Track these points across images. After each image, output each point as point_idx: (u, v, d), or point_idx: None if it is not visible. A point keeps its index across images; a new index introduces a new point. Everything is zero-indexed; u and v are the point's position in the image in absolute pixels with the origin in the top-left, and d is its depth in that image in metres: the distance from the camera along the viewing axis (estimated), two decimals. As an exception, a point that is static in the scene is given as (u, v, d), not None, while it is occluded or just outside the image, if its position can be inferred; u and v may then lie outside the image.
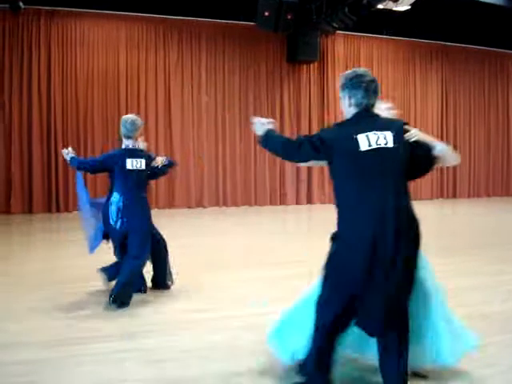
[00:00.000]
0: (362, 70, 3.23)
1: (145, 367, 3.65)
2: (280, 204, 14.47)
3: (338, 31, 14.17)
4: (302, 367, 3.30)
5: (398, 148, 3.09)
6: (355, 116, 3.17)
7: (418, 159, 3.25)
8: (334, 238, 3.19)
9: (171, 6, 13.00)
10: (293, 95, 14.71)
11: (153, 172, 5.46)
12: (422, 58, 16.37)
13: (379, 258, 2.93)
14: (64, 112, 12.64)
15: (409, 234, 3.07)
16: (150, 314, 4.84)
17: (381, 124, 3.15)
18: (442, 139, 15.29)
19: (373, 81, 3.16)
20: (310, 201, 14.83)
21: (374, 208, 3.01)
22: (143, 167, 5.26)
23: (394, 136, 3.11)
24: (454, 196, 16.97)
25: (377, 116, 3.23)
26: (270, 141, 3.33)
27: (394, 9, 11.87)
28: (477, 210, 14.35)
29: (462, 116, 17.08)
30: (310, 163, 3.54)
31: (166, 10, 13.18)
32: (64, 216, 12.19)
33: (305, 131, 14.61)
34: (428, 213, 13.92)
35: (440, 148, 3.29)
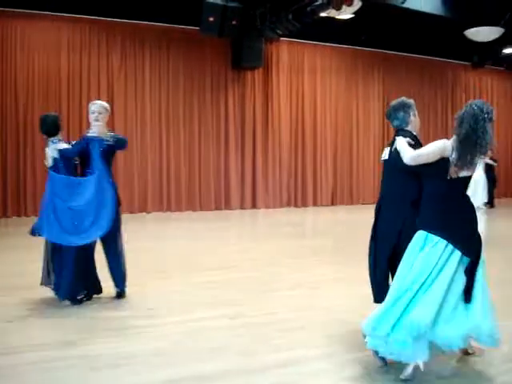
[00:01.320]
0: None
1: (91, 373, 3.60)
2: (224, 209, 14.46)
3: (283, 38, 14.33)
4: None
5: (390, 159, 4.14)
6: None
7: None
8: None
9: (114, 8, 12.79)
10: (238, 101, 14.74)
11: None
12: (365, 66, 16.70)
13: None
14: (3, 116, 12.27)
15: (393, 207, 4.10)
16: (91, 320, 4.77)
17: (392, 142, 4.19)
18: (383, 146, 15.70)
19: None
20: (254, 205, 14.89)
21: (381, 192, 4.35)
22: None
23: (389, 150, 4.18)
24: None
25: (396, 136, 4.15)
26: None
27: (337, 17, 12.09)
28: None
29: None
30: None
31: (109, 13, 12.94)
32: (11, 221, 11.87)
33: (249, 136, 14.71)
34: (370, 217, 14.21)
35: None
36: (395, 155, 4.00)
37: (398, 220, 4.02)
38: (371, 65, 16.81)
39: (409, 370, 3.47)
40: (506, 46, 16.14)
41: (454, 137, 3.68)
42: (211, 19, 12.02)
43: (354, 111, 16.60)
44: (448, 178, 3.58)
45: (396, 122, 4.30)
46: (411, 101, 4.35)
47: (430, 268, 3.50)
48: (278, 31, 12.81)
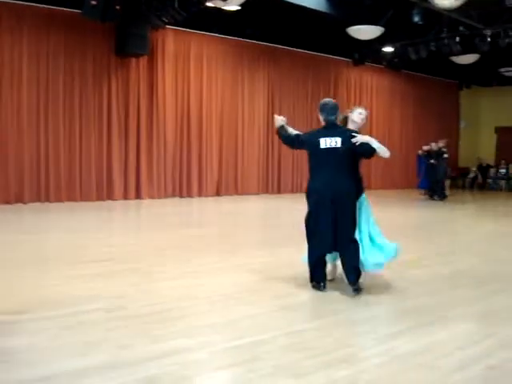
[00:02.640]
0: (326, 99, 5.68)
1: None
2: (107, 199, 14.05)
3: (169, 26, 14.11)
4: None
5: (341, 148, 5.30)
6: (323, 127, 5.55)
7: (359, 154, 5.41)
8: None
9: (-12, -15, 12.01)
10: (121, 89, 14.29)
11: None
12: (250, 58, 16.87)
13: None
14: None
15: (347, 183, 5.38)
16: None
17: (336, 132, 5.39)
18: (267, 138, 15.99)
19: (327, 104, 5.55)
20: (138, 196, 14.61)
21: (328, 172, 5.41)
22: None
23: (342, 140, 5.31)
24: (279, 191, 17.77)
25: (336, 127, 5.49)
26: (280, 134, 5.90)
27: (224, 8, 12.10)
28: (298, 205, 15.10)
29: (287, 116, 17.56)
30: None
31: (-18, -10, 12.12)
32: None
33: (133, 124, 14.39)
34: (254, 207, 14.42)
35: (376, 146, 5.32)
36: (350, 144, 5.28)
37: (352, 191, 5.41)
38: (257, 57, 17.01)
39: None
40: (385, 45, 16.95)
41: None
42: (93, 2, 11.55)
43: (240, 102, 16.73)
44: None
45: (333, 118, 5.48)
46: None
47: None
48: (164, 19, 12.60)
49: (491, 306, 5.19)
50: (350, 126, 5.73)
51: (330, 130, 5.43)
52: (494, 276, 6.47)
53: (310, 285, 5.54)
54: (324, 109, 5.51)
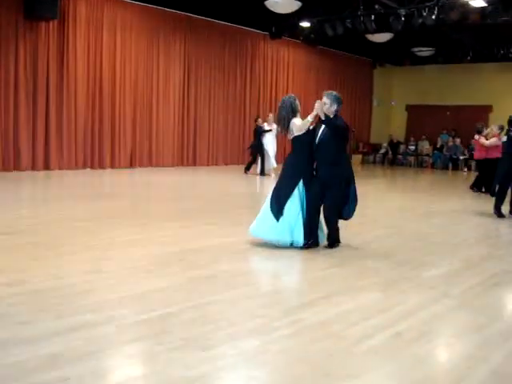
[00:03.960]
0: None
1: None
2: (14, 170, 13.39)
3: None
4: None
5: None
6: (335, 115, 6.28)
7: None
8: None
9: None
10: (29, 54, 13.52)
11: None
12: (166, 27, 16.45)
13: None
14: None
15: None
16: None
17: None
18: (183, 109, 15.78)
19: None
20: (47, 167, 14.02)
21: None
22: None
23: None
24: (194, 164, 17.61)
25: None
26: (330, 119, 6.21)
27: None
28: (213, 178, 15.07)
29: (203, 88, 17.68)
30: None
31: None
32: None
33: (42, 93, 13.73)
34: (168, 179, 14.22)
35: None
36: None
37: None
38: (173, 26, 16.64)
39: None
40: (302, 20, 17.00)
41: None
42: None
43: (155, 72, 16.32)
44: None
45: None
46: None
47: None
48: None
49: (397, 276, 5.35)
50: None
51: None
52: (400, 248, 6.69)
53: (219, 258, 5.56)
54: (340, 102, 6.29)
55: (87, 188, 11.88)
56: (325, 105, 6.17)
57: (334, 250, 6.34)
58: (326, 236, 6.45)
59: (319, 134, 6.28)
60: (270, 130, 15.12)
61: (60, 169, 14.11)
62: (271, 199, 6.23)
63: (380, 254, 6.30)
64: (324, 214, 6.38)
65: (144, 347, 3.41)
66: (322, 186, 6.22)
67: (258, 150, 15.36)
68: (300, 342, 3.57)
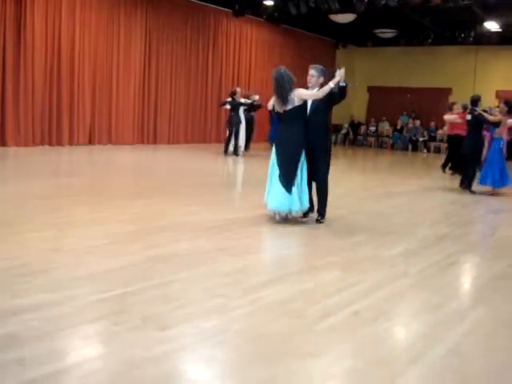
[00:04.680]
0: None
1: None
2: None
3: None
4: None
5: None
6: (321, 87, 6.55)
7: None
8: None
9: None
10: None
11: None
12: (128, 3, 16.07)
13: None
14: None
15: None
16: None
17: None
18: (143, 87, 15.47)
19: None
20: (3, 143, 13.61)
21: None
22: None
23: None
24: (155, 142, 17.40)
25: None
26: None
27: None
28: (174, 156, 14.93)
29: (164, 65, 17.41)
30: None
31: None
32: None
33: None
34: (128, 157, 14.03)
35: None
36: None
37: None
38: (135, 2, 16.27)
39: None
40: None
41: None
42: None
43: (115, 48, 15.95)
44: None
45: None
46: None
47: None
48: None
49: (356, 255, 5.40)
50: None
51: None
52: (360, 227, 6.75)
53: (180, 237, 5.51)
54: (326, 74, 6.59)
55: (46, 165, 11.63)
56: (312, 77, 6.54)
57: (293, 228, 6.36)
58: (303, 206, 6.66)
59: (310, 105, 6.57)
60: (260, 105, 15.28)
61: (17, 146, 13.73)
62: (280, 176, 6.42)
63: (340, 234, 6.34)
64: (321, 183, 6.72)
65: (102, 327, 3.35)
66: (312, 155, 6.58)
67: (237, 126, 15.23)
68: (260, 321, 3.57)
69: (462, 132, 11.84)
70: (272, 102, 6.74)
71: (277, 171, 6.48)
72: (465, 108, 12.55)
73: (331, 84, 6.31)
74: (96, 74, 15.51)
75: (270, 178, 6.62)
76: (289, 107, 6.41)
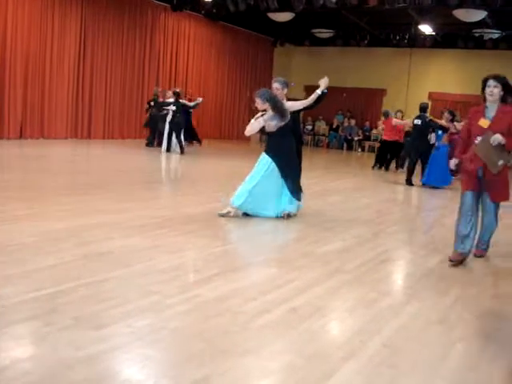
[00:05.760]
0: None
1: None
2: None
3: None
4: None
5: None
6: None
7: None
8: None
9: None
10: None
11: None
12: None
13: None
14: None
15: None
16: None
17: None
18: (77, 81, 15.11)
19: None
20: None
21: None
22: None
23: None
24: (89, 137, 17.00)
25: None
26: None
27: None
28: (109, 151, 14.64)
29: (100, 59, 17.00)
30: None
31: None
32: None
33: None
34: (61, 152, 13.66)
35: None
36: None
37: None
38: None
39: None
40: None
41: None
42: None
43: (49, 40, 15.44)
44: None
45: None
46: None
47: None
48: None
49: (293, 252, 5.43)
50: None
51: None
52: (296, 225, 6.80)
53: (114, 234, 5.43)
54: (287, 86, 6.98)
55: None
56: (277, 90, 6.82)
57: (230, 226, 6.35)
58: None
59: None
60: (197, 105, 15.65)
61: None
62: (289, 186, 6.79)
63: (276, 231, 6.37)
64: (295, 187, 6.95)
65: (32, 328, 3.23)
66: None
67: (160, 125, 15.07)
68: (196, 319, 3.52)
69: (400, 138, 13.01)
70: (259, 125, 6.66)
71: (278, 182, 6.73)
72: (386, 115, 14.25)
73: (318, 91, 6.69)
74: (28, 68, 14.98)
75: (264, 188, 6.64)
76: (286, 121, 6.61)
